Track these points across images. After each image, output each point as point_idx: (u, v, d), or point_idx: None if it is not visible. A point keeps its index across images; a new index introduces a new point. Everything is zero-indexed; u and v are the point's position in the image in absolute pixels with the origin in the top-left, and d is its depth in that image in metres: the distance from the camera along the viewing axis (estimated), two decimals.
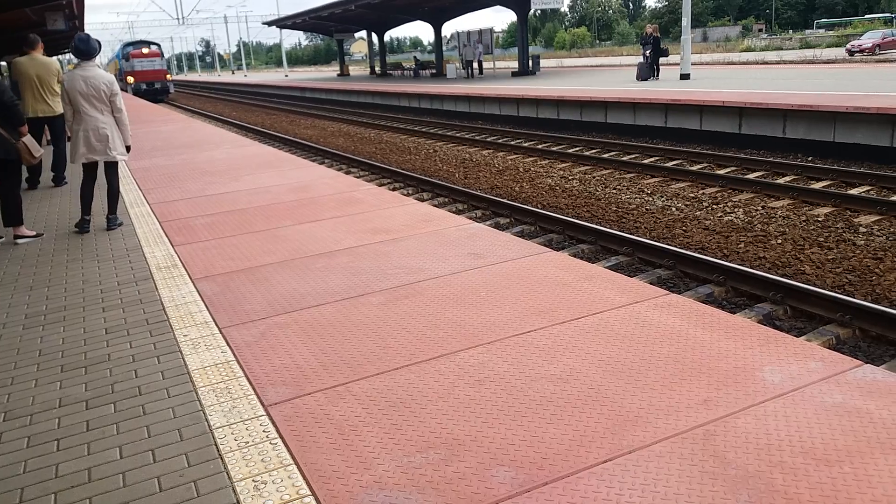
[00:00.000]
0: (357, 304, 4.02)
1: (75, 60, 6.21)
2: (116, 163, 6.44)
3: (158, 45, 45.20)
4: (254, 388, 3.07)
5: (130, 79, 42.37)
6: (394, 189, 11.48)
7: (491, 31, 33.33)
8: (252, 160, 10.33)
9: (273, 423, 2.77)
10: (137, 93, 41.24)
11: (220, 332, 3.74)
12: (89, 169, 6.41)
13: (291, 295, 4.25)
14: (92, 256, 5.54)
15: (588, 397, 2.79)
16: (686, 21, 19.62)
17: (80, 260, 5.46)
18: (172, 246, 5.64)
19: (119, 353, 3.60)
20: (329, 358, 3.33)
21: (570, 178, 11.40)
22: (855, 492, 2.13)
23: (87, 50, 6.05)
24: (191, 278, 4.73)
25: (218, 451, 2.60)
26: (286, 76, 63.63)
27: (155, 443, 2.70)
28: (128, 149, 6.44)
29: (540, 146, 14.86)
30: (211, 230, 6.08)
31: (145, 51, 43.43)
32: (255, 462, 2.50)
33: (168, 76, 45.01)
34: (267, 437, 2.67)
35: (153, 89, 42.68)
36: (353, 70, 58.99)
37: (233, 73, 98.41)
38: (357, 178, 10.47)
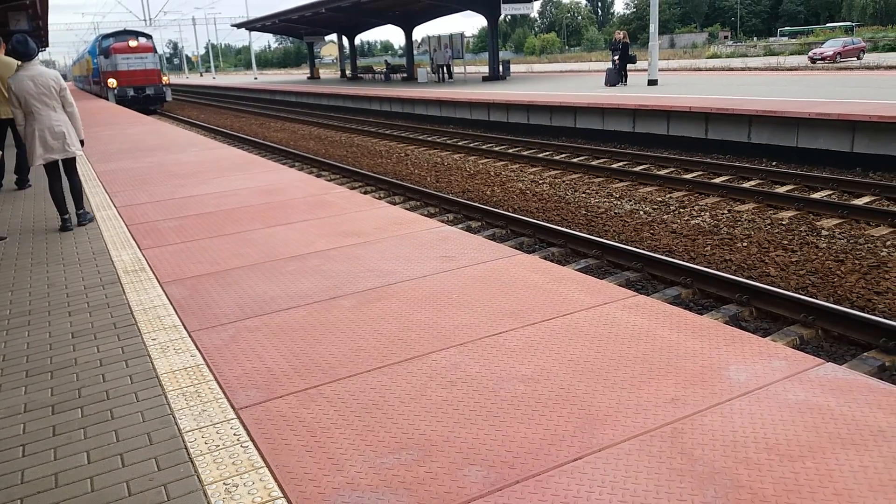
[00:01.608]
0: (328, 307, 4.01)
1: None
2: (74, 159, 6.45)
3: (149, 37, 33.56)
4: (224, 392, 3.04)
5: (112, 82, 31.25)
6: (365, 192, 11.45)
7: (462, 35, 33.46)
8: (221, 163, 10.23)
9: (244, 426, 2.75)
10: (122, 101, 30.62)
11: (190, 336, 3.71)
12: (52, 169, 6.38)
13: (262, 298, 4.22)
14: (57, 260, 5.44)
15: (558, 397, 2.83)
16: (654, 27, 19.92)
17: (45, 263, 5.36)
18: (140, 249, 5.56)
19: (86, 357, 3.54)
20: (300, 361, 3.32)
21: (540, 182, 11.49)
22: (817, 486, 2.19)
23: (26, 52, 6.03)
24: (159, 282, 4.68)
25: (188, 454, 2.58)
26: (255, 79, 63.18)
27: (123, 447, 2.67)
28: (81, 143, 6.46)
29: (511, 150, 14.95)
30: (179, 233, 6.01)
31: (133, 44, 31.78)
32: (226, 465, 2.49)
33: (165, 77, 33.54)
34: (238, 440, 2.65)
35: (144, 96, 31.60)
36: (324, 73, 58.85)
37: (201, 75, 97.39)
38: (328, 181, 10.43)
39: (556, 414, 2.70)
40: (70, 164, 6.46)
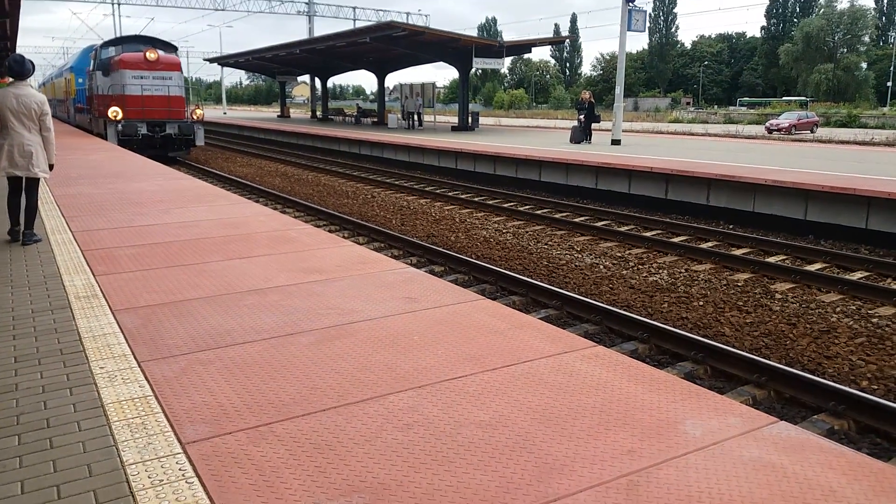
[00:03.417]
0: (286, 343, 3.94)
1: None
2: (38, 180, 6.57)
3: (174, 48, 23.62)
4: (171, 425, 2.94)
5: (115, 111, 20.38)
6: (330, 231, 11.39)
7: (433, 85, 33.99)
8: (184, 194, 10.10)
9: (190, 461, 2.65)
10: (127, 141, 20.14)
11: (139, 366, 3.59)
12: (14, 182, 6.51)
13: (217, 331, 4.13)
14: (6, 282, 5.26)
15: (516, 444, 2.79)
16: (619, 90, 20.51)
17: None
18: (94, 275, 5.41)
19: (28, 383, 3.40)
20: (253, 397, 3.23)
21: (504, 231, 11.58)
22: None
23: (21, 71, 6.35)
24: (111, 309, 4.54)
25: (130, 488, 2.47)
26: (224, 113, 63.03)
27: (61, 478, 2.54)
28: (51, 167, 6.63)
29: (476, 199, 15.09)
30: (136, 261, 5.88)
31: (151, 56, 20.93)
32: (170, 501, 2.39)
33: (197, 111, 22.79)
34: (183, 475, 2.55)
35: (163, 136, 20.98)
36: (294, 113, 58.98)
37: None
38: (292, 217, 10.34)
39: (513, 462, 2.66)
40: (32, 183, 6.56)
